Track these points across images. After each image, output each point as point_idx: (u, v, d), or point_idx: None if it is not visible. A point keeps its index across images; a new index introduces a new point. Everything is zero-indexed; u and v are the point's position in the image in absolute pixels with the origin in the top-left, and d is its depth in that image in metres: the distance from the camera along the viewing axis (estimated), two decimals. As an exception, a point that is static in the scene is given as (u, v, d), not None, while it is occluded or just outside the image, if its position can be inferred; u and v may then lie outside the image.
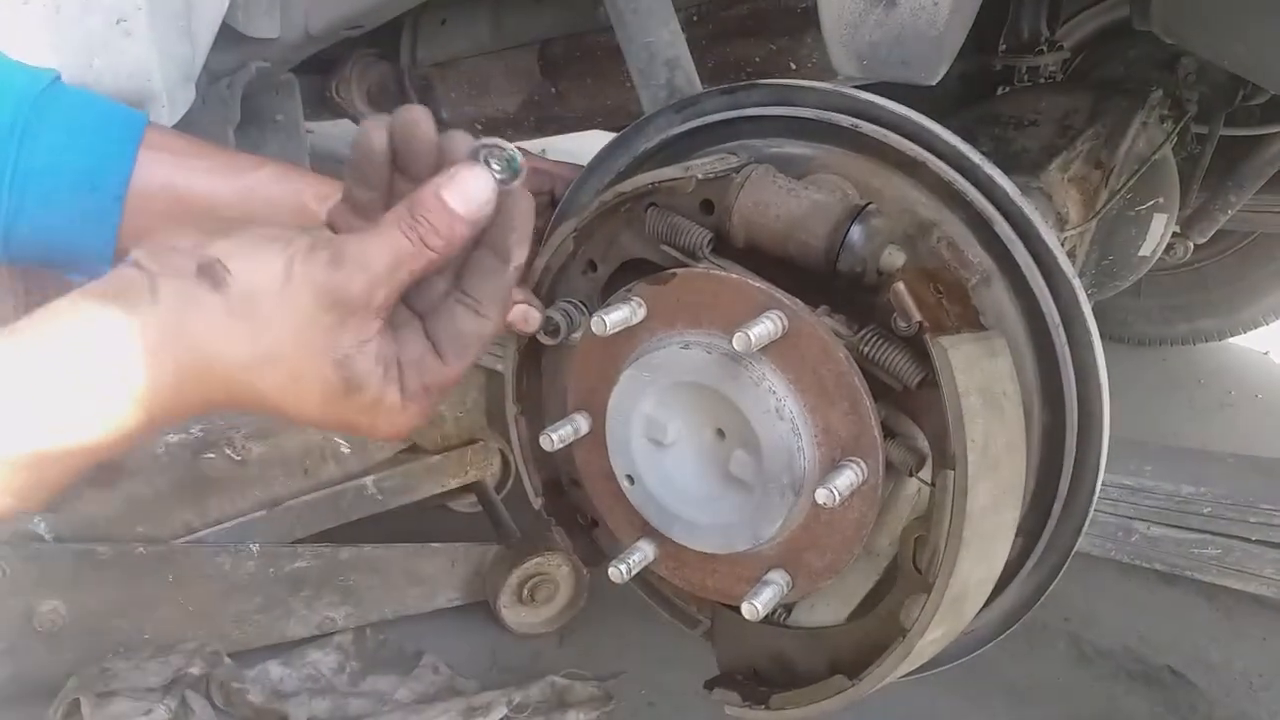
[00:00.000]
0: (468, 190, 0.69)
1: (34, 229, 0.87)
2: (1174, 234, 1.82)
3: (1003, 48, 1.83)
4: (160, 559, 1.47)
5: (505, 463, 1.89)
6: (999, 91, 1.86)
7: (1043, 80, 1.83)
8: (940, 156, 0.84)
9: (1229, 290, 2.44)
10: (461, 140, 0.77)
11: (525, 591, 1.65)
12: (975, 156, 0.84)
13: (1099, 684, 1.58)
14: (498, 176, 0.72)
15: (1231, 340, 2.59)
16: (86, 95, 0.92)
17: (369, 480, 1.64)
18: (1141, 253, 1.66)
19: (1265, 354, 2.73)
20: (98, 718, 1.30)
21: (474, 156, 0.72)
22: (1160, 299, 2.51)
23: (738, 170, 0.88)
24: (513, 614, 1.67)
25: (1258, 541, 1.10)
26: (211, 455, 1.52)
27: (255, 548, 1.53)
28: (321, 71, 1.95)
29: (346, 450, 1.60)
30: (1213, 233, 1.94)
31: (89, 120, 0.89)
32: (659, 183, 0.89)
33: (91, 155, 0.87)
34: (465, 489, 1.82)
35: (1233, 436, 2.17)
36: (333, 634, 1.61)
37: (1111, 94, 1.60)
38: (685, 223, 0.90)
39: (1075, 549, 0.89)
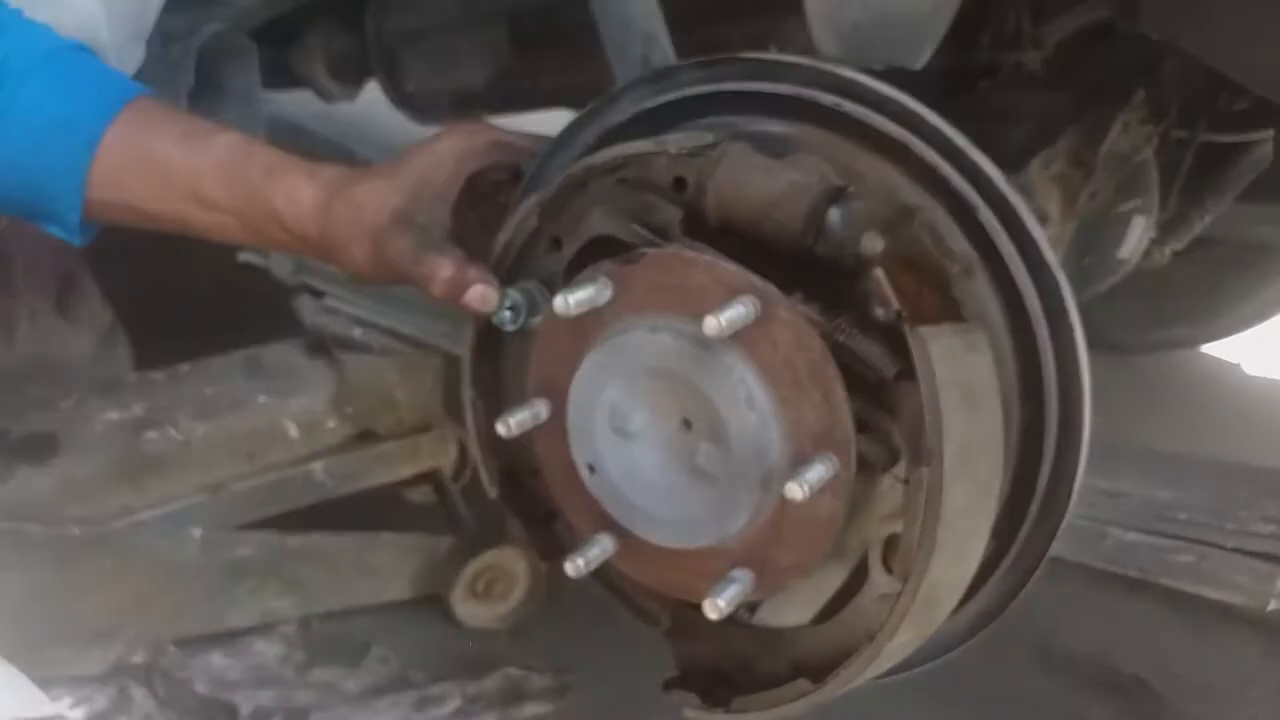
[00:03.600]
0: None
1: (10, 163, 0.97)
2: (1151, 239, 1.81)
3: (985, 43, 1.81)
4: (96, 541, 1.42)
5: (463, 452, 1.85)
6: (980, 86, 1.85)
7: (1025, 77, 1.81)
8: (925, 140, 0.82)
9: (1204, 298, 2.44)
10: None
11: (480, 586, 1.62)
12: (961, 141, 0.82)
13: (1065, 692, 1.57)
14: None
15: (1205, 349, 2.60)
16: (98, 64, 1.04)
17: (318, 466, 1.59)
18: (1120, 255, 1.65)
19: (1238, 364, 2.74)
20: (32, 706, 1.25)
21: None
22: (1136, 305, 2.51)
23: (713, 146, 0.85)
24: (466, 609, 1.64)
25: (1233, 549, 1.09)
26: (153, 434, 1.48)
27: (197, 533, 1.48)
28: (283, 39, 1.89)
29: (294, 434, 1.56)
30: (1190, 239, 1.94)
31: (86, 78, 1.00)
32: (630, 156, 0.86)
33: (74, 104, 0.97)
34: (420, 478, 1.78)
35: (1204, 445, 2.16)
36: (277, 624, 1.57)
37: (1094, 93, 1.59)
38: (656, 200, 0.87)
39: (1051, 551, 0.87)
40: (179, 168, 0.98)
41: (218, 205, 0.98)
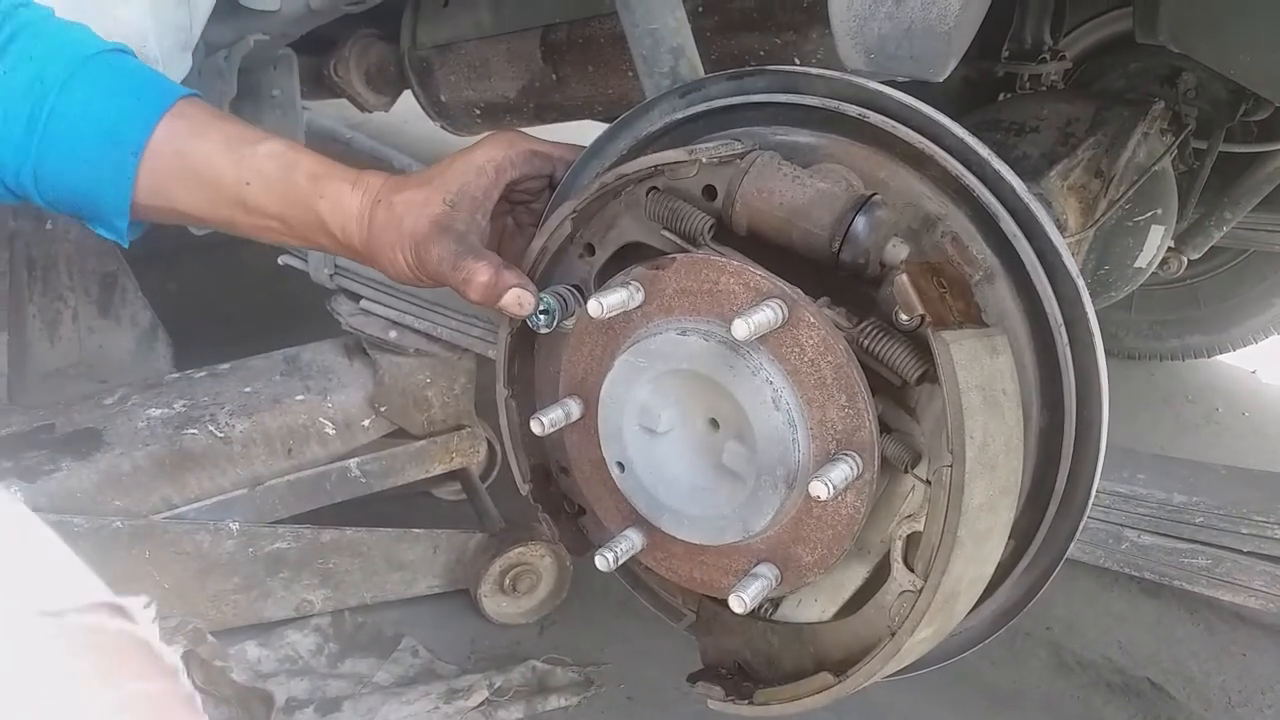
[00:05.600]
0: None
1: (59, 171, 0.96)
2: (1169, 249, 1.82)
3: (1005, 54, 1.83)
4: (137, 534, 1.45)
5: (491, 451, 1.88)
6: (1000, 98, 1.86)
7: (1044, 89, 1.83)
8: (948, 150, 0.83)
9: (1220, 307, 2.44)
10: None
11: (507, 581, 1.64)
12: (983, 151, 0.83)
13: (1079, 693, 1.58)
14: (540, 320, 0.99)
15: (1220, 357, 2.60)
16: (137, 65, 1.02)
17: (353, 463, 1.62)
18: (1137, 264, 1.66)
19: (1253, 372, 2.74)
20: (73, 693, 1.28)
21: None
22: (1151, 314, 2.52)
23: (742, 156, 0.87)
24: (493, 603, 1.65)
25: (1249, 553, 1.09)
26: (194, 431, 1.50)
27: (235, 526, 1.50)
28: (320, 50, 1.93)
29: (331, 432, 1.58)
30: (1207, 249, 1.95)
31: (126, 83, 0.98)
32: (662, 165, 0.88)
33: (117, 112, 0.96)
34: (450, 476, 1.81)
35: (1218, 453, 2.18)
36: (311, 616, 1.59)
37: (1113, 104, 1.60)
38: (687, 207, 0.89)
39: (1067, 554, 0.88)
40: (225, 175, 0.98)
41: (264, 211, 1.00)
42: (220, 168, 0.98)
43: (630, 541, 0.97)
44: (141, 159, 0.96)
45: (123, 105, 0.96)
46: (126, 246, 1.06)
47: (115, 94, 0.96)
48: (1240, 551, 1.09)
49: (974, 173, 0.82)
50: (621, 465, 0.94)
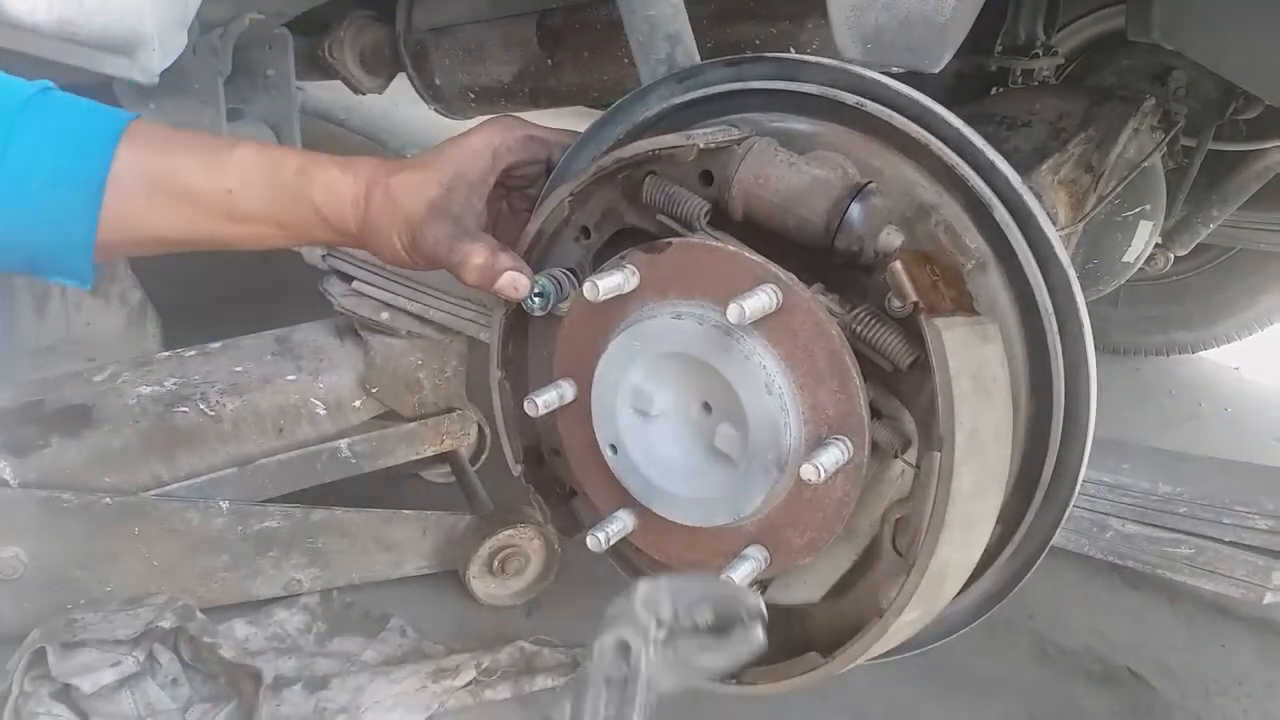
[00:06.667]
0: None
1: (11, 228, 0.90)
2: (1156, 244, 1.84)
3: (999, 49, 1.84)
4: (126, 510, 1.44)
5: (482, 434, 1.88)
6: (993, 92, 1.87)
7: (1037, 84, 1.84)
8: (943, 140, 0.84)
9: (1205, 304, 2.47)
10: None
11: (495, 563, 1.64)
12: (978, 141, 0.84)
13: (1059, 682, 1.59)
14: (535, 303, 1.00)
15: (1204, 354, 2.63)
16: (70, 99, 0.94)
17: (343, 443, 1.62)
18: (1125, 259, 1.68)
19: (1236, 369, 2.77)
20: (63, 668, 1.28)
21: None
22: (1137, 309, 2.55)
23: (739, 142, 0.88)
24: (482, 585, 1.66)
25: (1230, 543, 1.11)
26: (184, 409, 1.50)
27: (225, 505, 1.50)
28: (315, 30, 1.92)
29: (322, 412, 1.58)
30: (1194, 245, 1.97)
31: (69, 121, 0.92)
32: (660, 150, 0.89)
33: (70, 153, 0.90)
34: (440, 458, 1.81)
35: (1200, 448, 2.18)
36: (299, 595, 1.60)
37: (1104, 100, 1.61)
38: (683, 192, 0.90)
39: (1053, 540, 0.89)
40: (202, 187, 0.94)
41: (252, 216, 0.97)
42: (196, 180, 0.94)
43: (622, 523, 0.98)
44: (106, 195, 0.91)
45: (75, 142, 0.90)
46: (90, 288, 1.00)
47: (62, 134, 0.90)
48: (1222, 541, 1.11)
49: (968, 162, 0.83)
50: (614, 447, 0.95)
